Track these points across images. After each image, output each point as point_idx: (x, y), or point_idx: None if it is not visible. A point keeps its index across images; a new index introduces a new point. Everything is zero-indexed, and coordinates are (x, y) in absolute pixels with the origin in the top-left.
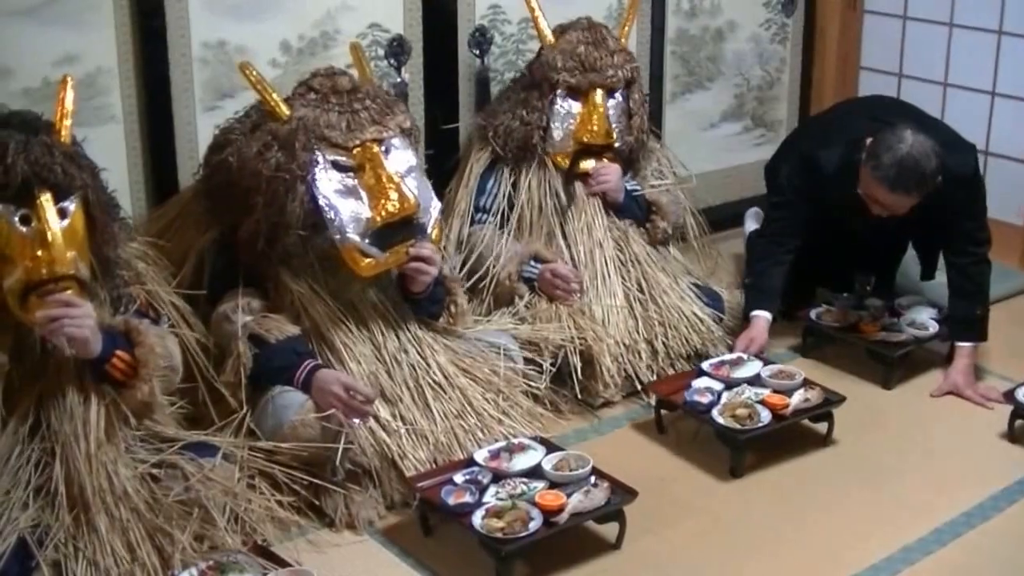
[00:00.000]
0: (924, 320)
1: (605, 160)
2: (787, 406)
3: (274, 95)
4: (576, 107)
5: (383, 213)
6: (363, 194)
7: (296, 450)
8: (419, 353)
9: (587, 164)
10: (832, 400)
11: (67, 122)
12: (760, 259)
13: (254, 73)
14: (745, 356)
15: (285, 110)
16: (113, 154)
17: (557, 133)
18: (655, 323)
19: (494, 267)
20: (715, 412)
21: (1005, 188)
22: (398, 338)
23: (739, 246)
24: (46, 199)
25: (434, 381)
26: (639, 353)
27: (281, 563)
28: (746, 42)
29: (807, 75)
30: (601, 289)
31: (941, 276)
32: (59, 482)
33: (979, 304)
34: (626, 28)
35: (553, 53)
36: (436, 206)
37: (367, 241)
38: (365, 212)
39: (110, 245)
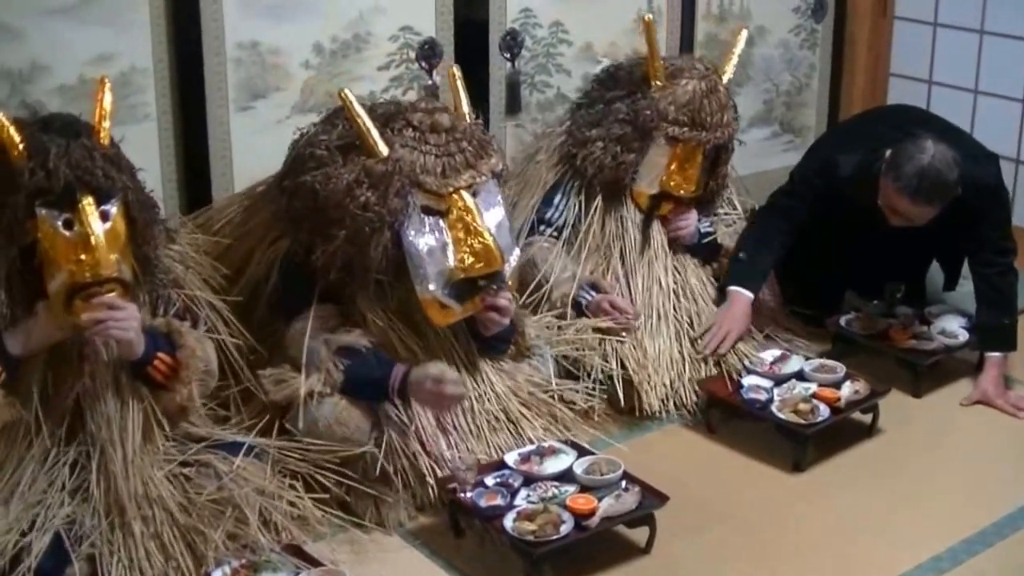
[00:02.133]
0: (954, 329)
1: (684, 205)
2: (839, 399)
3: (373, 132)
4: (670, 152)
5: (474, 268)
6: (449, 243)
7: (330, 448)
8: (479, 387)
9: (667, 207)
10: (879, 392)
11: (106, 123)
12: (759, 238)
13: (354, 105)
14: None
15: (383, 149)
16: (147, 153)
17: (645, 174)
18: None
19: (546, 283)
20: (774, 408)
21: None
22: (463, 370)
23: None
24: (88, 203)
25: (490, 412)
26: (685, 383)
27: (313, 562)
28: (775, 48)
29: (836, 81)
30: (655, 325)
31: (970, 284)
32: (95, 486)
33: (1007, 314)
34: (728, 67)
35: (666, 100)
36: (516, 254)
37: (447, 292)
38: (449, 262)
39: (151, 246)
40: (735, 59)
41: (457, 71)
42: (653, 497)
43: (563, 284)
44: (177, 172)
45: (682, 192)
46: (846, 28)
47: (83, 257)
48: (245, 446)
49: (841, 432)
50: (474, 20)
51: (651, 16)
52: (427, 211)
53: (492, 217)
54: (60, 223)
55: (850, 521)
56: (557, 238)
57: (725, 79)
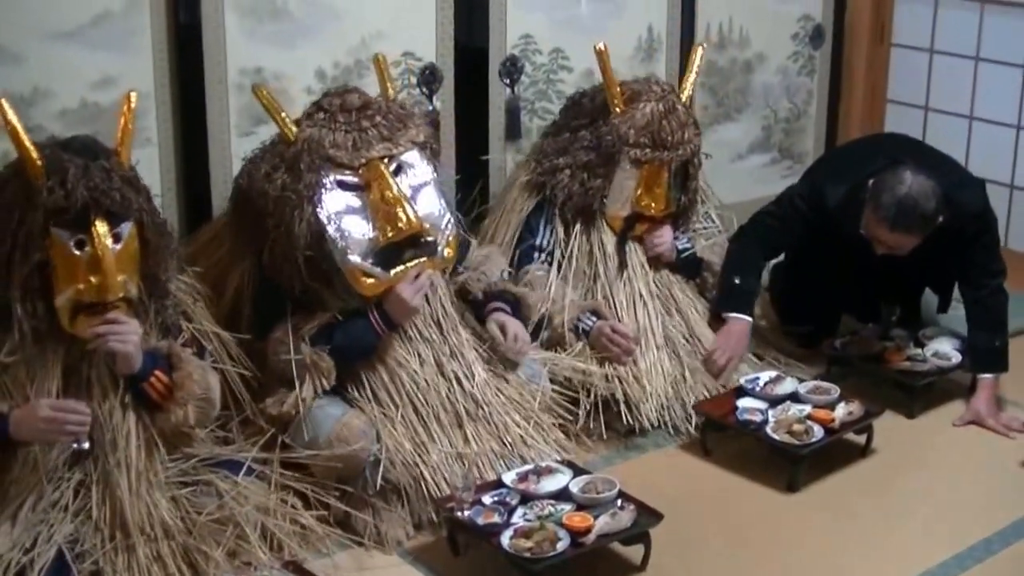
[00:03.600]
0: (947, 351)
1: (658, 223)
2: (833, 420)
3: (283, 115)
4: (636, 175)
5: (387, 232)
6: (369, 213)
7: (330, 463)
8: (460, 372)
9: (641, 228)
10: (872, 412)
11: (128, 143)
12: (747, 260)
13: (265, 93)
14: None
15: (292, 130)
16: (149, 178)
17: (615, 198)
18: (698, 372)
19: (547, 310)
20: (769, 429)
21: None
22: (441, 356)
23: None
24: (102, 225)
25: (472, 401)
26: (681, 402)
27: None
28: (774, 74)
29: (834, 108)
30: (644, 341)
31: (963, 307)
32: (97, 505)
33: (999, 335)
34: (687, 85)
35: (626, 125)
36: (450, 224)
37: (371, 261)
38: (370, 232)
39: (161, 267)
40: (693, 76)
41: (383, 57)
42: (648, 515)
43: (562, 311)
44: (178, 198)
45: (653, 211)
46: (844, 55)
47: (92, 279)
48: (245, 465)
49: (835, 453)
50: (474, 46)
51: (604, 45)
52: (344, 186)
53: (417, 183)
54: (72, 243)
55: (843, 540)
56: (550, 263)
57: (684, 96)
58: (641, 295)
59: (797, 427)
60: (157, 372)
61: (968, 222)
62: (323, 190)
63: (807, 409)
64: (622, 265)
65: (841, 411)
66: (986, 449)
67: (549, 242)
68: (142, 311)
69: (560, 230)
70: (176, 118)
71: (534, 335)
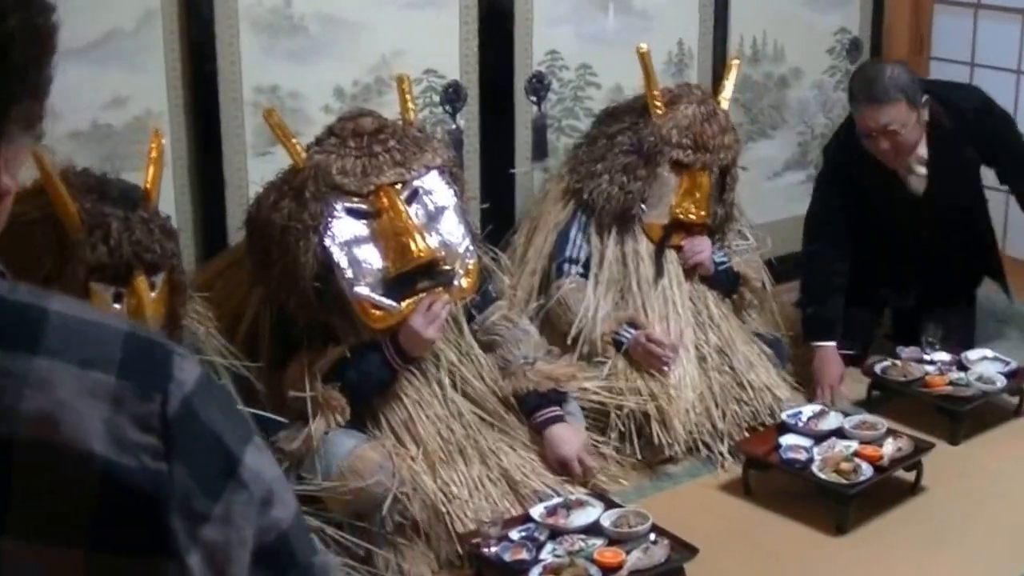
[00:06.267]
0: (991, 374)
1: (697, 233)
2: (881, 457)
3: (293, 141)
4: (677, 180)
5: (397, 263)
6: (380, 243)
7: (344, 497)
8: (481, 407)
9: (679, 237)
10: (923, 448)
11: (158, 183)
12: (818, 284)
13: (275, 117)
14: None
15: (302, 156)
16: (162, 200)
17: (655, 203)
18: (729, 388)
19: (584, 323)
20: (815, 468)
21: None
22: (462, 390)
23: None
24: (142, 280)
25: (496, 436)
26: (710, 416)
27: None
28: (810, 89)
29: None
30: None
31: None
32: None
33: None
34: (724, 96)
35: (668, 126)
36: (470, 252)
37: (381, 292)
38: (380, 262)
39: (182, 305)
40: (731, 86)
41: (407, 78)
42: (683, 550)
43: (600, 323)
44: (193, 219)
45: (692, 218)
46: None
47: None
48: None
49: (884, 490)
50: (499, 63)
51: (646, 46)
52: (356, 213)
53: (433, 210)
54: (110, 295)
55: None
56: (584, 275)
57: (722, 105)
58: (675, 306)
59: (845, 465)
60: None
61: (975, 120)
62: (331, 219)
63: (854, 445)
64: (659, 274)
65: (890, 447)
66: None
67: (582, 253)
68: None
69: (595, 239)
70: (190, 138)
71: (571, 348)
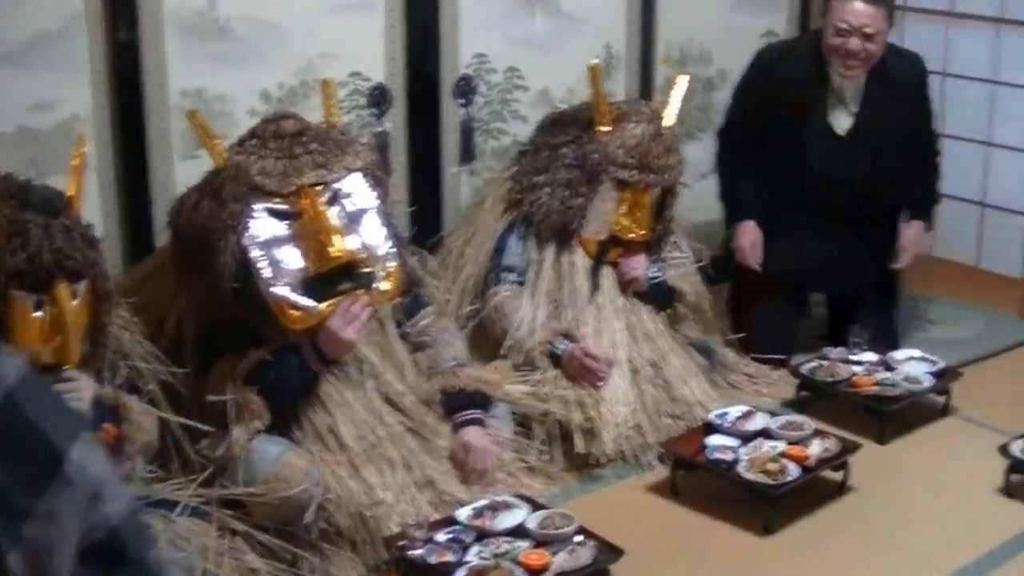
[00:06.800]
0: (918, 374)
1: (634, 250)
2: (808, 457)
3: (215, 142)
4: (618, 197)
5: (315, 263)
6: (299, 243)
7: (270, 503)
8: (403, 412)
9: (615, 253)
10: (849, 448)
11: (81, 190)
12: (732, 176)
13: (199, 119)
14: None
15: (223, 157)
16: (87, 204)
17: (594, 219)
18: (662, 402)
19: (520, 333)
20: (741, 468)
21: (1004, 240)
22: (385, 394)
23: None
24: (64, 287)
25: (418, 441)
26: (641, 430)
27: None
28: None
29: None
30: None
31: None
32: None
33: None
34: (670, 113)
35: (614, 144)
36: (391, 255)
37: (300, 292)
38: (298, 262)
39: (105, 313)
40: (677, 104)
41: (331, 83)
42: (609, 552)
43: (535, 333)
44: (120, 224)
45: (632, 236)
46: None
47: (52, 340)
48: (182, 504)
49: (810, 490)
50: (426, 66)
51: (598, 61)
52: (276, 214)
53: (355, 211)
54: (31, 303)
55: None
56: (521, 283)
57: (667, 123)
58: (610, 319)
59: (771, 466)
60: (105, 426)
61: (916, 69)
62: (250, 219)
63: (780, 446)
64: (594, 288)
65: (816, 447)
66: (959, 475)
67: (520, 262)
68: (90, 363)
69: (533, 250)
70: (116, 141)
71: (504, 357)
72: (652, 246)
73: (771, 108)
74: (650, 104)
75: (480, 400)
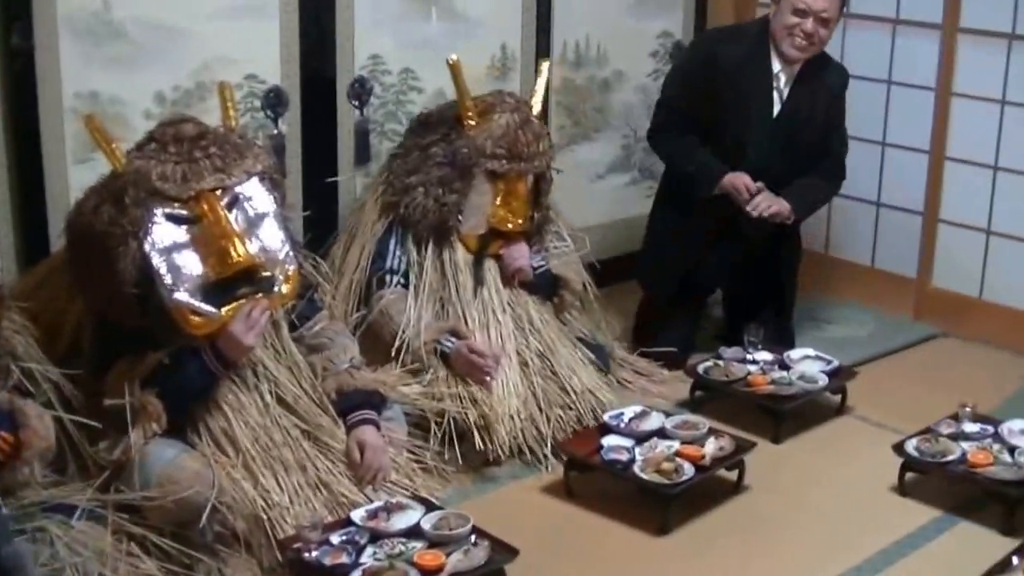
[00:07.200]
0: (813, 373)
1: (514, 240)
2: (703, 456)
3: (112, 146)
4: (492, 189)
5: (216, 268)
6: (199, 249)
7: (164, 506)
8: (298, 416)
9: (496, 245)
10: (744, 447)
11: None
12: (683, 146)
13: (95, 123)
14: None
15: (121, 162)
16: None
17: (471, 214)
18: (553, 393)
19: (407, 333)
20: (636, 468)
21: (899, 240)
22: (280, 397)
23: (625, 300)
24: None
25: (317, 440)
26: (534, 421)
27: None
28: (633, 92)
29: None
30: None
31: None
32: None
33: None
34: (536, 100)
35: (481, 137)
36: (290, 258)
37: (200, 298)
38: (198, 268)
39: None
40: (542, 91)
41: (228, 86)
42: (503, 552)
43: (425, 334)
44: (14, 228)
45: (510, 227)
46: None
47: None
48: (79, 509)
49: (706, 489)
50: (321, 68)
51: (456, 57)
52: (175, 219)
53: (254, 216)
54: None
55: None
56: (405, 285)
57: (535, 111)
58: (495, 314)
59: (666, 465)
60: (2, 434)
61: (840, 79)
62: (150, 224)
63: (675, 445)
64: (478, 284)
65: (711, 447)
66: (854, 474)
67: (401, 264)
68: None
69: (413, 251)
70: (9, 145)
71: (394, 359)
72: (532, 235)
73: (715, 88)
74: (515, 94)
75: (375, 401)
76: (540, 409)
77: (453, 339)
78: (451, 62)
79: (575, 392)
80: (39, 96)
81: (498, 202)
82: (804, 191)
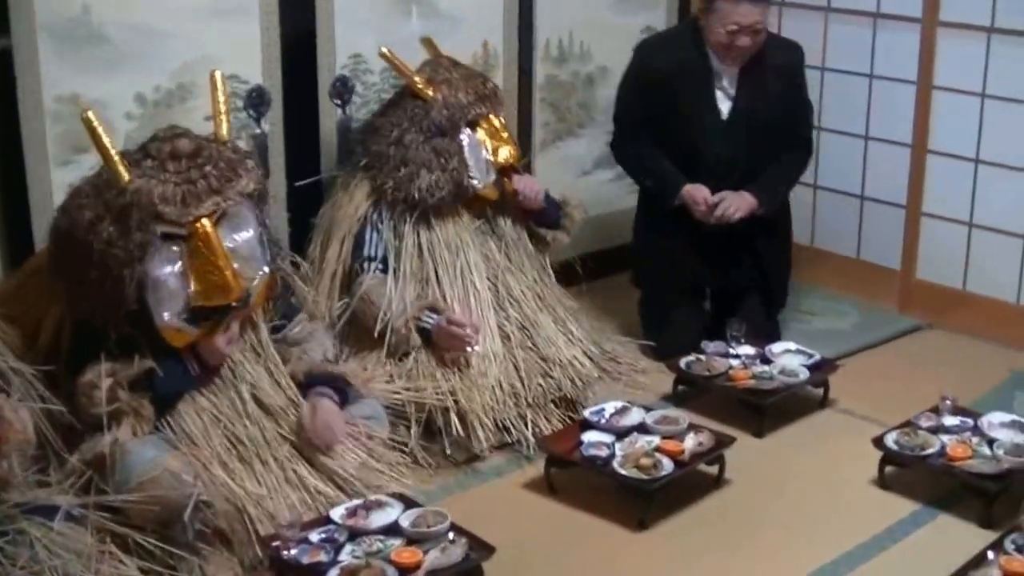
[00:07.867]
0: (795, 367)
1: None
2: (683, 452)
3: (116, 156)
4: (479, 135)
5: (208, 298)
6: (187, 271)
7: (145, 506)
8: (275, 416)
9: (510, 186)
10: (724, 442)
11: None
12: (641, 160)
13: (96, 125)
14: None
15: (124, 176)
16: None
17: (477, 167)
18: (534, 363)
19: (388, 315)
20: (616, 464)
21: (883, 233)
22: (257, 397)
23: (611, 295)
24: None
25: (289, 446)
26: (515, 393)
27: None
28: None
29: None
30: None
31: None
32: None
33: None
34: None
35: (451, 96)
36: (265, 268)
37: (184, 318)
38: (187, 290)
39: None
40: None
41: (219, 75)
42: (481, 549)
43: (403, 313)
44: None
45: (511, 159)
46: None
47: None
48: (61, 510)
49: (687, 484)
50: (303, 67)
51: (387, 49)
52: (169, 237)
53: (239, 238)
54: None
55: (686, 568)
56: (384, 271)
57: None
58: (475, 286)
59: (645, 461)
60: None
61: (793, 57)
62: (151, 249)
63: (655, 441)
64: (500, 241)
65: (691, 442)
66: (835, 468)
67: (379, 251)
68: None
69: (390, 235)
70: None
71: (379, 343)
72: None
73: (659, 97)
74: (443, 56)
75: (339, 384)
76: (522, 381)
77: (433, 315)
78: (383, 53)
79: (556, 362)
80: (20, 98)
81: (491, 145)
82: (769, 182)
